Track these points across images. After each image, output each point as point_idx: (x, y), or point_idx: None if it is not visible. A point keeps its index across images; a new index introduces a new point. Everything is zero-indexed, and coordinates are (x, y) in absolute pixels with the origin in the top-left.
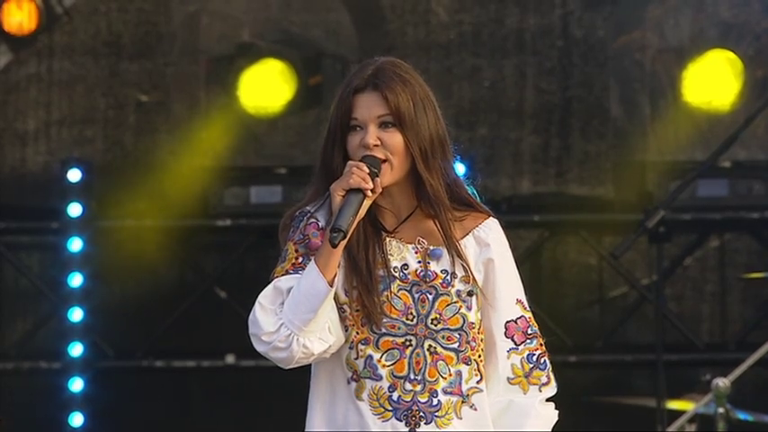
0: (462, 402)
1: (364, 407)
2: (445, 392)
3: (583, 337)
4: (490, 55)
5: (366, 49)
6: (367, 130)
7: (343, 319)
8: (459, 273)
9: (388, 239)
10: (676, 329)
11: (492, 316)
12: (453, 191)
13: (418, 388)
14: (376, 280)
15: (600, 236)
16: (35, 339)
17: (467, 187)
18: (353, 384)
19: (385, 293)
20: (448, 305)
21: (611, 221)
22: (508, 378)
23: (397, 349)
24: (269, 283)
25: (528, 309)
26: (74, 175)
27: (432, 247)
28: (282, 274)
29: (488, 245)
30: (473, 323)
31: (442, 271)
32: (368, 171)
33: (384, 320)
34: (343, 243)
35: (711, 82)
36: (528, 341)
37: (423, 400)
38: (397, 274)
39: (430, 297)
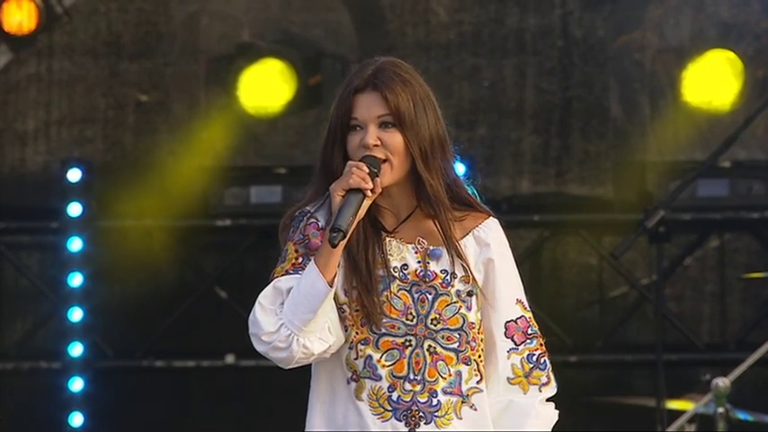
0: (462, 402)
1: (364, 407)
2: (445, 392)
3: (583, 337)
4: (490, 55)
5: (366, 49)
6: (367, 130)
7: (342, 319)
8: (459, 273)
9: (387, 239)
10: (676, 329)
11: (492, 316)
12: (453, 191)
13: (418, 388)
14: (376, 280)
15: (600, 236)
16: (35, 339)
17: (467, 187)
18: (353, 384)
19: (385, 293)
20: (447, 305)
21: (611, 221)
22: (508, 378)
23: (397, 349)
24: (269, 283)
25: (528, 309)
26: (74, 174)
27: (431, 247)
28: (282, 275)
29: (488, 245)
30: (473, 323)
31: (441, 271)
32: (368, 171)
33: (384, 320)
34: (343, 243)
35: (711, 82)
36: (528, 341)
37: (422, 401)
38: (396, 274)
39: (429, 297)
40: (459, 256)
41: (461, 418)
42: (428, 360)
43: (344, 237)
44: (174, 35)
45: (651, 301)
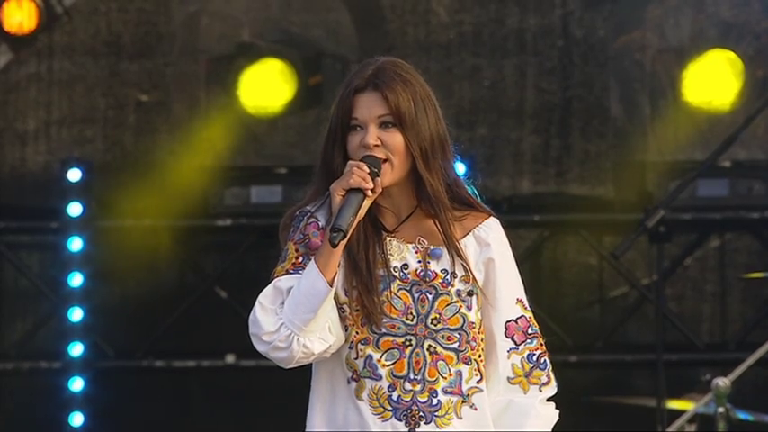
0: (462, 402)
1: (364, 406)
2: (445, 392)
3: (583, 337)
4: (490, 55)
5: (366, 49)
6: (367, 130)
7: (342, 318)
8: (460, 272)
9: (388, 239)
10: (676, 329)
11: (492, 315)
12: (453, 191)
13: (418, 388)
14: (376, 280)
15: (600, 236)
16: (35, 339)
17: (467, 187)
18: (353, 384)
19: (385, 293)
20: (448, 305)
21: (611, 221)
22: (508, 378)
23: (397, 349)
24: (269, 282)
25: (528, 308)
26: (74, 174)
27: (432, 247)
28: (283, 274)
29: (489, 244)
30: (473, 323)
31: (441, 270)
32: (368, 171)
33: (384, 320)
34: (343, 243)
35: (711, 82)
36: (528, 341)
37: (422, 400)
38: (397, 274)
39: (430, 297)
40: (460, 255)
41: (461, 418)
42: (428, 360)
43: (345, 237)
44: (173, 35)
45: (651, 301)
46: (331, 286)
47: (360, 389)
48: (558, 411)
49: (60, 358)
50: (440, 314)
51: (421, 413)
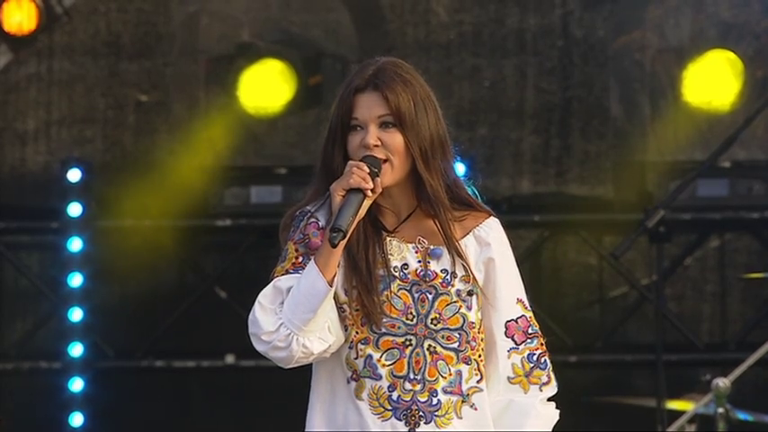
0: (462, 402)
1: (364, 406)
2: (445, 392)
3: (583, 337)
4: (490, 55)
5: (366, 49)
6: (367, 130)
7: (342, 318)
8: (460, 272)
9: (388, 239)
10: (676, 329)
11: (492, 315)
12: (453, 191)
13: (418, 387)
14: (376, 279)
15: (600, 236)
16: (35, 339)
17: (467, 187)
18: (353, 384)
19: (385, 293)
20: (448, 305)
21: (611, 221)
22: (509, 377)
23: (397, 349)
24: (269, 282)
25: (528, 308)
26: (74, 175)
27: (432, 247)
28: (282, 274)
29: (489, 244)
30: (473, 323)
31: (441, 270)
32: (368, 171)
33: (384, 320)
34: (343, 243)
35: (711, 82)
36: (528, 341)
37: (422, 400)
38: (397, 274)
39: (430, 297)
40: (460, 255)
41: (461, 418)
42: (428, 359)
43: (344, 237)
44: (173, 35)
45: (651, 301)
46: (331, 286)
47: (360, 389)
48: (558, 411)
49: (60, 358)
50: (440, 314)
51: (421, 413)
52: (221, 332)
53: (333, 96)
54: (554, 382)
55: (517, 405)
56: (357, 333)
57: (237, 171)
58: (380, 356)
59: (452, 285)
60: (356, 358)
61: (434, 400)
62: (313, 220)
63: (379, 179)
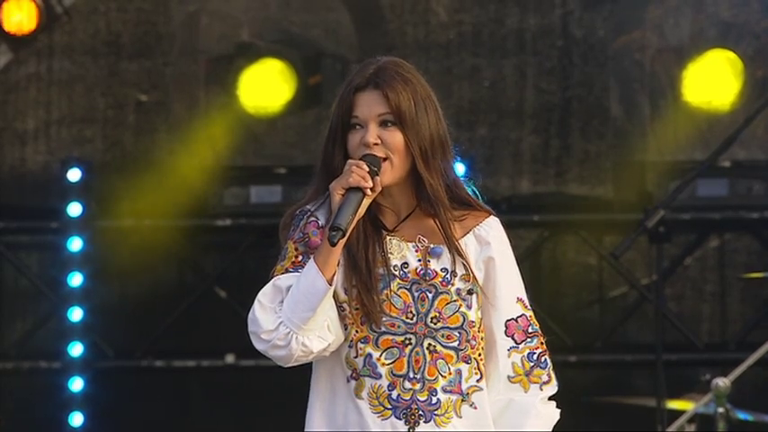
0: (462, 401)
1: (364, 405)
2: (445, 391)
3: (583, 337)
4: (490, 55)
5: (366, 48)
6: (367, 129)
7: (342, 317)
8: (460, 271)
9: (388, 238)
10: (676, 329)
11: (492, 314)
12: (453, 191)
13: (417, 386)
14: (375, 278)
15: (600, 236)
16: (35, 339)
17: (467, 187)
18: (353, 383)
19: (384, 292)
20: (447, 303)
21: (611, 221)
22: (509, 376)
23: (397, 348)
24: (269, 281)
25: (529, 307)
26: (74, 174)
27: (432, 246)
28: (282, 273)
29: (489, 243)
30: (473, 322)
31: (441, 269)
32: (367, 170)
33: (384, 319)
34: (343, 241)
35: (711, 82)
36: (528, 340)
37: (422, 399)
38: (396, 273)
39: (429, 295)
40: (460, 254)
41: (461, 417)
42: (428, 358)
43: (344, 235)
44: (173, 35)
45: (651, 301)
46: (330, 285)
47: (359, 387)
48: (559, 410)
49: (60, 358)
50: (439, 313)
51: (420, 412)
52: (221, 332)
53: (333, 96)
54: (554, 381)
55: (517, 404)
56: (357, 332)
57: (237, 171)
58: (380, 355)
59: (452, 284)
60: (356, 357)
61: (434, 399)
62: (313, 219)
63: (378, 178)
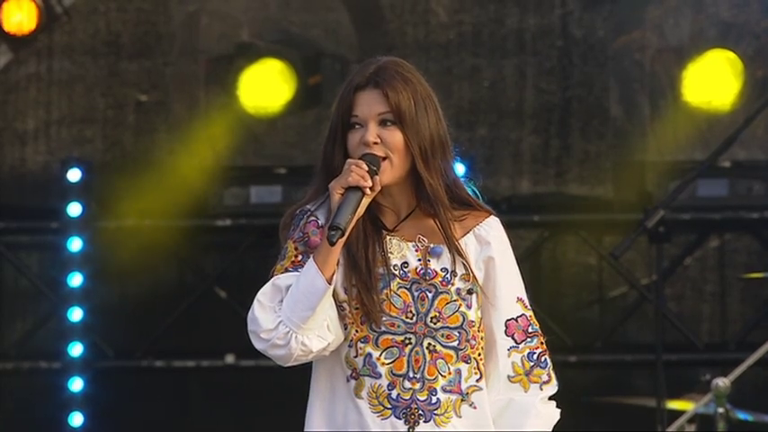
0: (462, 401)
1: (363, 405)
2: (444, 391)
3: (582, 337)
4: (490, 55)
5: (365, 48)
6: (367, 128)
7: (342, 317)
8: (460, 271)
9: (388, 237)
10: (676, 329)
11: (492, 314)
12: (453, 191)
13: (417, 386)
14: (375, 278)
15: (600, 236)
16: (35, 339)
17: (467, 187)
18: (353, 382)
19: (384, 291)
20: (447, 303)
21: (611, 221)
22: (509, 376)
23: (397, 347)
24: (268, 280)
25: (529, 307)
26: (74, 174)
27: (432, 245)
28: (282, 272)
29: (489, 243)
30: (473, 321)
31: (441, 269)
32: (367, 169)
33: (383, 318)
34: (342, 241)
35: (711, 82)
36: (528, 339)
37: (422, 399)
38: (396, 272)
39: (429, 295)
40: (460, 253)
41: (461, 417)
42: (428, 358)
43: (343, 235)
44: (173, 35)
45: (651, 301)
46: (329, 284)
47: (359, 387)
48: (559, 410)
49: (60, 358)
50: (439, 312)
51: (420, 411)
52: (221, 332)
53: (333, 96)
54: (554, 381)
55: (517, 404)
56: (357, 331)
57: (237, 171)
58: (380, 355)
59: (452, 284)
60: (356, 357)
61: (434, 399)
62: (313, 218)
63: (377, 177)
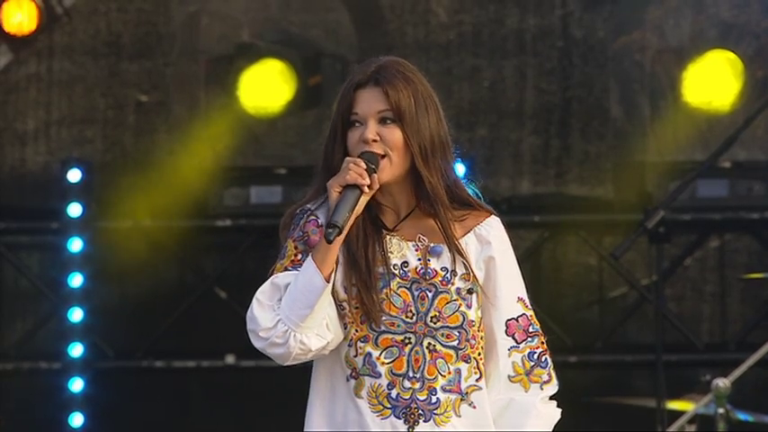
0: (461, 400)
1: (363, 404)
2: (444, 390)
3: (583, 338)
4: (490, 55)
5: (365, 49)
6: (367, 126)
7: (342, 316)
8: (460, 270)
9: (388, 237)
10: (676, 330)
11: (493, 314)
12: (453, 191)
13: (417, 386)
14: (375, 277)
15: (600, 236)
16: (35, 339)
17: (468, 188)
18: (352, 382)
19: (384, 291)
20: (447, 303)
21: (611, 222)
22: (509, 376)
23: (396, 347)
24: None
25: (529, 307)
26: (74, 175)
27: (432, 245)
28: (281, 271)
29: (489, 243)
30: (473, 321)
31: (441, 268)
32: (365, 167)
33: (383, 318)
34: (340, 239)
35: (711, 82)
36: (529, 339)
37: (421, 398)
38: (396, 272)
39: (429, 295)
40: (460, 253)
41: (460, 416)
42: (427, 358)
43: (340, 232)
44: (173, 35)
45: (651, 301)
46: (328, 282)
47: (359, 387)
48: (559, 410)
49: (60, 359)
50: (439, 312)
51: (420, 411)
52: (221, 332)
53: (333, 96)
54: (555, 381)
55: (518, 404)
56: (356, 331)
57: (237, 171)
58: (380, 354)
59: (452, 283)
60: (355, 356)
61: (433, 399)
62: (312, 217)
63: (376, 175)
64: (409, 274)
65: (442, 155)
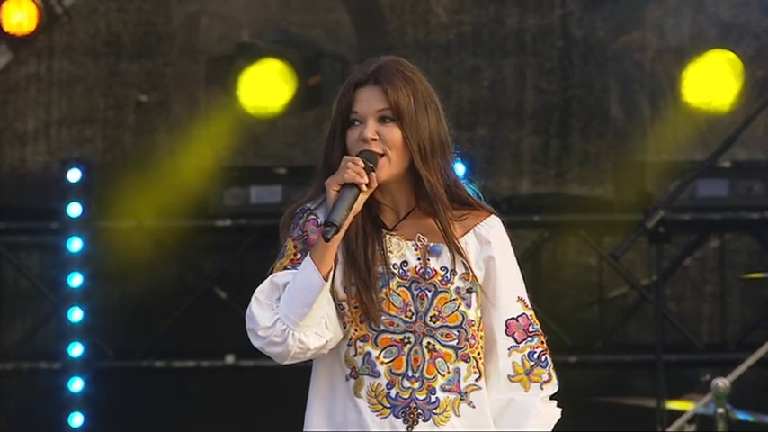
0: (461, 400)
1: (362, 404)
2: (443, 390)
3: (582, 338)
4: (490, 55)
5: (365, 49)
6: (366, 124)
7: (341, 315)
8: (459, 270)
9: (387, 236)
10: (676, 329)
11: (493, 313)
12: (453, 191)
13: (416, 385)
14: (374, 277)
15: (600, 236)
16: (35, 339)
17: (468, 188)
18: (352, 381)
19: (384, 290)
20: (447, 302)
21: (611, 221)
22: (509, 376)
23: (396, 346)
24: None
25: (529, 306)
26: (74, 175)
27: (432, 244)
28: (280, 270)
29: (489, 242)
30: (472, 320)
31: (441, 268)
32: (363, 165)
33: (383, 317)
34: (338, 237)
35: (711, 82)
36: (529, 339)
37: (421, 398)
38: (396, 271)
39: (429, 294)
40: (460, 252)
41: (459, 416)
42: (427, 357)
43: (338, 231)
44: (173, 35)
45: (651, 301)
46: (326, 280)
47: (358, 386)
48: (560, 410)
49: (60, 358)
50: (439, 311)
51: (419, 410)
52: (221, 332)
53: (333, 96)
54: (555, 381)
55: (518, 404)
56: (356, 330)
57: (237, 171)
58: (379, 354)
59: (452, 283)
60: (355, 355)
61: (433, 398)
62: (312, 216)
63: (374, 174)
64: (409, 273)
65: (441, 154)
